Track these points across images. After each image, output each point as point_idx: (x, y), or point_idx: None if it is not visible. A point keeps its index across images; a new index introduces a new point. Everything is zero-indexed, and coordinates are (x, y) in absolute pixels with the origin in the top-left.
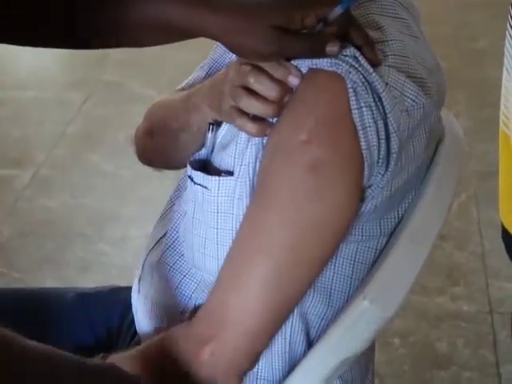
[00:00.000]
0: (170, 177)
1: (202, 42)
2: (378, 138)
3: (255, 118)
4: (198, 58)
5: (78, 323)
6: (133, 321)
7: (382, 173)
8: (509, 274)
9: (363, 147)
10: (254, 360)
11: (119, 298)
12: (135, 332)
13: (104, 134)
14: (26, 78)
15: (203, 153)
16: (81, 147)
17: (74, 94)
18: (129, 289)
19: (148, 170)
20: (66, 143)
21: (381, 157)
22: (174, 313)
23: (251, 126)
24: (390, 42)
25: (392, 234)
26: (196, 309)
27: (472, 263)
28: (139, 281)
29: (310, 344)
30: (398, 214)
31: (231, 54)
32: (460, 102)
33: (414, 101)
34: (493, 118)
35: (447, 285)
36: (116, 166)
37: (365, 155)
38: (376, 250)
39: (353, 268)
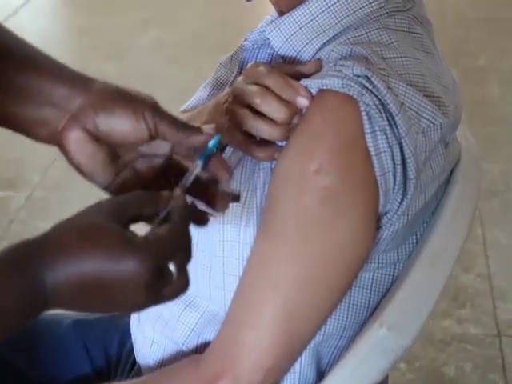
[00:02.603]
0: None
1: (196, 59)
2: (394, 164)
3: (262, 142)
4: (190, 76)
5: (74, 352)
6: (132, 349)
7: (399, 199)
8: None
9: (377, 174)
10: None
11: (118, 325)
12: (135, 360)
13: None
14: None
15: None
16: None
17: None
18: (128, 315)
19: None
20: (61, 164)
21: (397, 183)
22: (176, 344)
23: (258, 151)
24: (404, 59)
25: (409, 257)
26: (199, 342)
27: (478, 285)
28: None
29: (321, 376)
30: (416, 238)
31: (234, 73)
32: (461, 121)
33: (431, 122)
34: (495, 136)
35: (453, 307)
36: None
37: (379, 182)
38: (393, 276)
39: (369, 297)
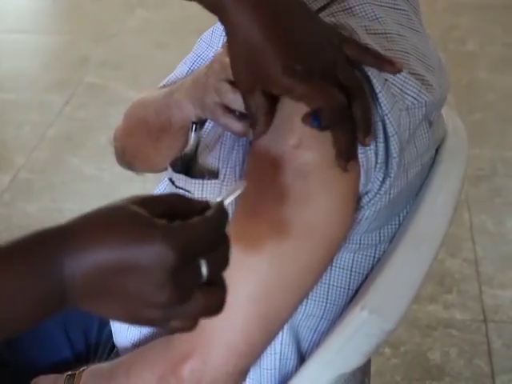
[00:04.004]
0: (151, 179)
1: (184, 42)
2: (376, 141)
3: (241, 116)
4: (177, 58)
5: (54, 335)
6: (111, 332)
7: (381, 178)
8: (502, 282)
9: (359, 151)
10: (239, 379)
11: None
12: (114, 344)
13: (85, 137)
14: (6, 80)
15: (185, 154)
16: (61, 150)
17: (55, 95)
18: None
19: (130, 172)
20: (46, 146)
21: (379, 161)
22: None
23: (237, 125)
24: (388, 35)
25: (392, 239)
26: None
27: (465, 270)
28: None
29: (301, 359)
30: (399, 219)
31: (215, 47)
32: (449, 105)
33: (415, 99)
34: (482, 122)
35: (439, 292)
36: (97, 168)
37: (360, 160)
38: (374, 257)
39: (349, 278)
